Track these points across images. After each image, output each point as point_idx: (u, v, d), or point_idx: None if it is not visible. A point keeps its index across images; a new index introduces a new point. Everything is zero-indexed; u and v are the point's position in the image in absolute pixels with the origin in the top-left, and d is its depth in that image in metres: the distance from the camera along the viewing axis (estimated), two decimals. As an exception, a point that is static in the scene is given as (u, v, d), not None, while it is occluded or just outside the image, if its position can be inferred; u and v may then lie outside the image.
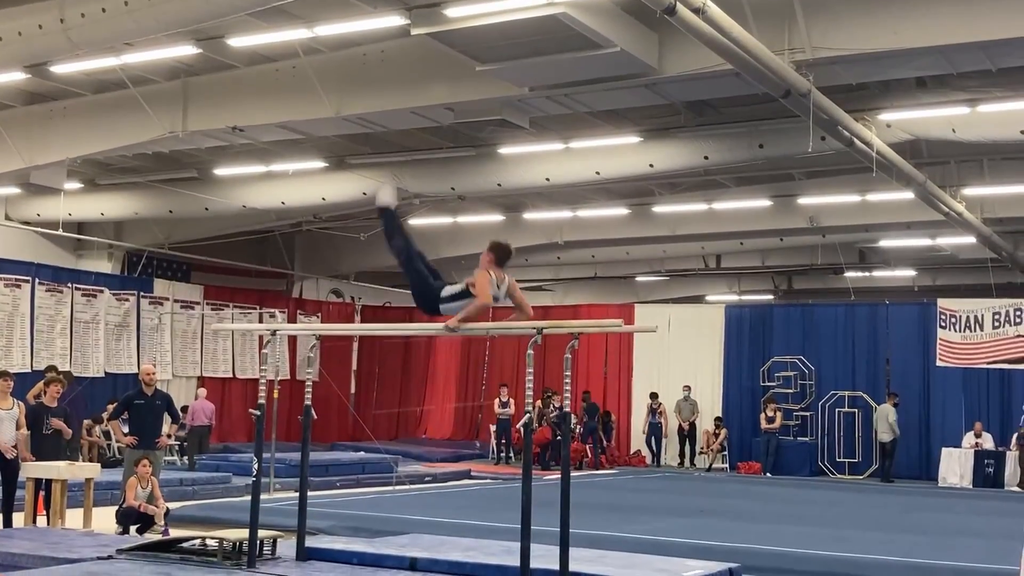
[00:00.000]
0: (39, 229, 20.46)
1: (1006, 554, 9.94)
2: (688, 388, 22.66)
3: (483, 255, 7.54)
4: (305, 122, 14.45)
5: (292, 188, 19.17)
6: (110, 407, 18.53)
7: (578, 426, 21.58)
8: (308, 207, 20.22)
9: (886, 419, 20.26)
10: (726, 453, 22.29)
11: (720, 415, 22.56)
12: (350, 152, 17.95)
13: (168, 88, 14.50)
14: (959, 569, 9.22)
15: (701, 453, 22.62)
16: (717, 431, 22.32)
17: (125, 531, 10.89)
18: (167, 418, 12.10)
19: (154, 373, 12.13)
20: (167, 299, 22.25)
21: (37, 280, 19.65)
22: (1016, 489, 18.83)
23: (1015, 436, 19.52)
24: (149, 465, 11.20)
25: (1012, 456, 19.38)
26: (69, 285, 20.26)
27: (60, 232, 19.85)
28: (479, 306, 7.28)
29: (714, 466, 22.17)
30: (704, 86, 13.47)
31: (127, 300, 21.37)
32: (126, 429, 11.88)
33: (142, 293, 21.75)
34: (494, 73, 11.63)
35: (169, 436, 12.43)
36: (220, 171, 18.71)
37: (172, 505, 11.78)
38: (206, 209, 19.99)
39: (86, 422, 17.66)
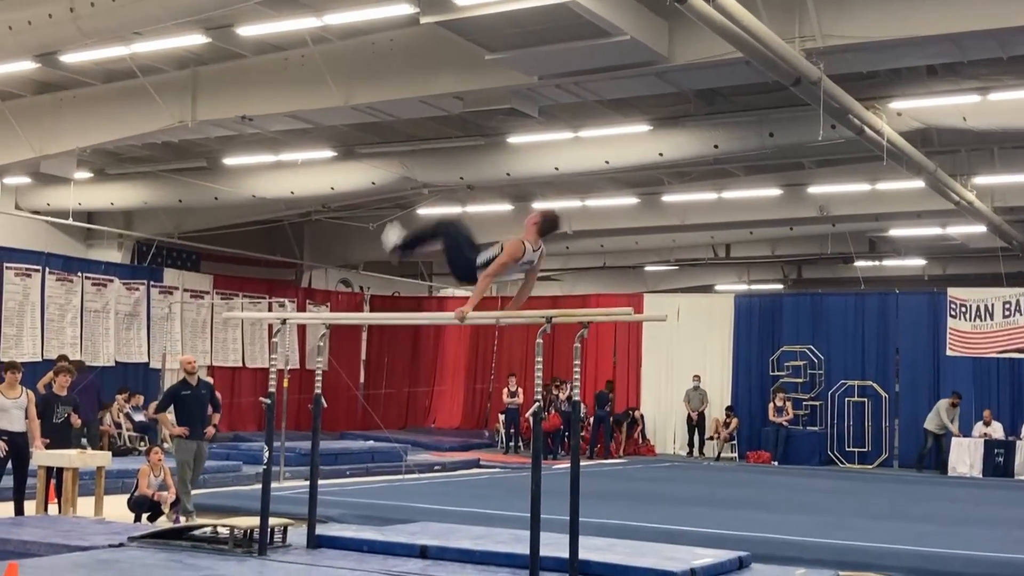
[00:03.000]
0: (49, 219, 20.51)
1: (1016, 543, 9.95)
2: (698, 378, 22.64)
3: (528, 220, 7.27)
4: (314, 111, 14.46)
5: (301, 177, 19.19)
6: (119, 396, 18.61)
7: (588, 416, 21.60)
8: (317, 196, 20.24)
9: (939, 414, 20.02)
10: (735, 442, 22.29)
11: (731, 404, 22.56)
12: (359, 141, 17.94)
13: (177, 77, 14.51)
14: (969, 558, 9.20)
15: (710, 439, 22.64)
16: (728, 420, 22.31)
17: (137, 519, 10.96)
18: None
19: (195, 362, 12.22)
20: (177, 288, 22.29)
21: (47, 269, 19.69)
22: (1026, 478, 18.80)
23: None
24: (160, 453, 11.30)
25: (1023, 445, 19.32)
26: (79, 274, 20.31)
27: (70, 221, 19.87)
28: (492, 272, 7.01)
29: (723, 455, 22.16)
30: (714, 74, 13.42)
31: (137, 289, 21.41)
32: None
33: (152, 282, 21.78)
34: (503, 62, 11.59)
35: (215, 426, 12.44)
36: (229, 160, 18.73)
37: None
38: (215, 199, 20.02)
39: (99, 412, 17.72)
